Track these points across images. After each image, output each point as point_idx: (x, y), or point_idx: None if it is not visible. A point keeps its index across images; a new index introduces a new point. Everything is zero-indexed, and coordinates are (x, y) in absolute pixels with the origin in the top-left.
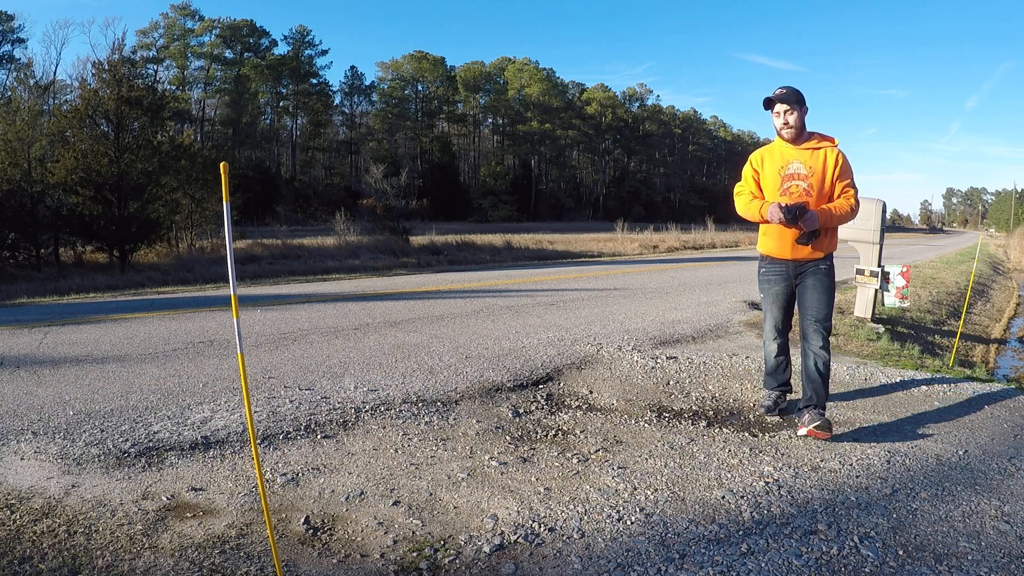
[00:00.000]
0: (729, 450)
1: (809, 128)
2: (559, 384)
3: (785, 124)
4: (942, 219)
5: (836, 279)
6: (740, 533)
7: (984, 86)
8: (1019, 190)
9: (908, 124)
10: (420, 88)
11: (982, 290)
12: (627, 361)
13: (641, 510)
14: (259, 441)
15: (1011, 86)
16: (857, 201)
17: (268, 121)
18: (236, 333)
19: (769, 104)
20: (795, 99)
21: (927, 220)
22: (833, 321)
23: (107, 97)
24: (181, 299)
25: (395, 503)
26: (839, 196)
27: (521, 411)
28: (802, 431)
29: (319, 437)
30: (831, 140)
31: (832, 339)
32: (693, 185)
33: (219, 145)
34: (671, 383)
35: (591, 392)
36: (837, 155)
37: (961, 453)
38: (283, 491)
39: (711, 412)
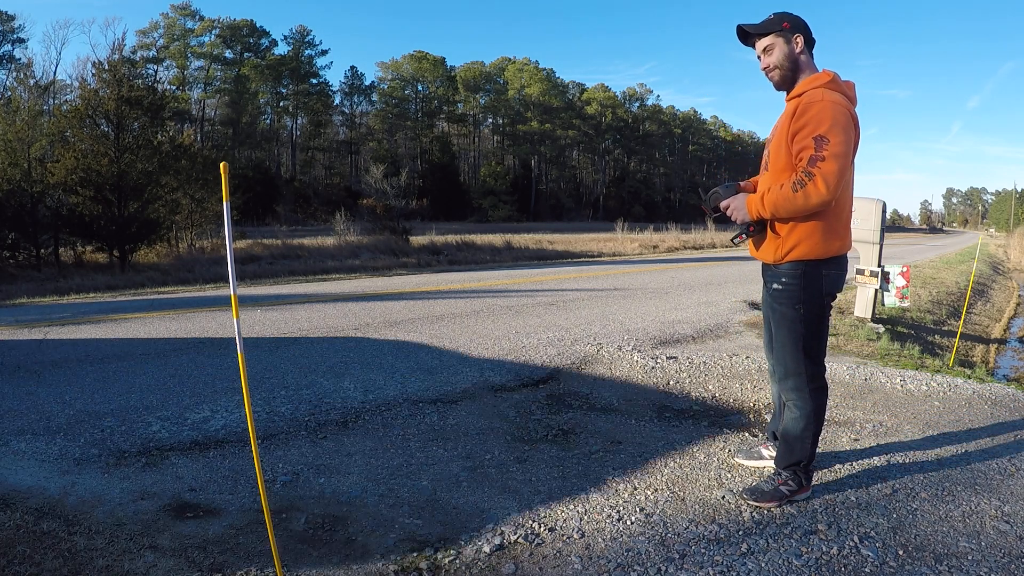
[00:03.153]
0: (729, 450)
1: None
2: (559, 384)
3: (765, 68)
4: (942, 219)
5: (817, 297)
6: (740, 533)
7: (986, 86)
8: (1019, 190)
9: (909, 124)
10: (420, 88)
11: (982, 290)
12: (627, 361)
13: (641, 510)
14: (259, 441)
15: (1013, 86)
16: (813, 177)
17: (268, 121)
18: (236, 333)
19: (746, 39)
20: (775, 27)
21: (927, 220)
22: (815, 362)
23: (107, 97)
24: (181, 299)
25: (395, 503)
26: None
27: (521, 411)
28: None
29: (319, 437)
30: (820, 77)
31: (832, 339)
32: (693, 185)
33: (219, 145)
34: (671, 383)
35: (591, 392)
36: (798, 103)
37: (961, 453)
38: (283, 491)
39: (711, 412)
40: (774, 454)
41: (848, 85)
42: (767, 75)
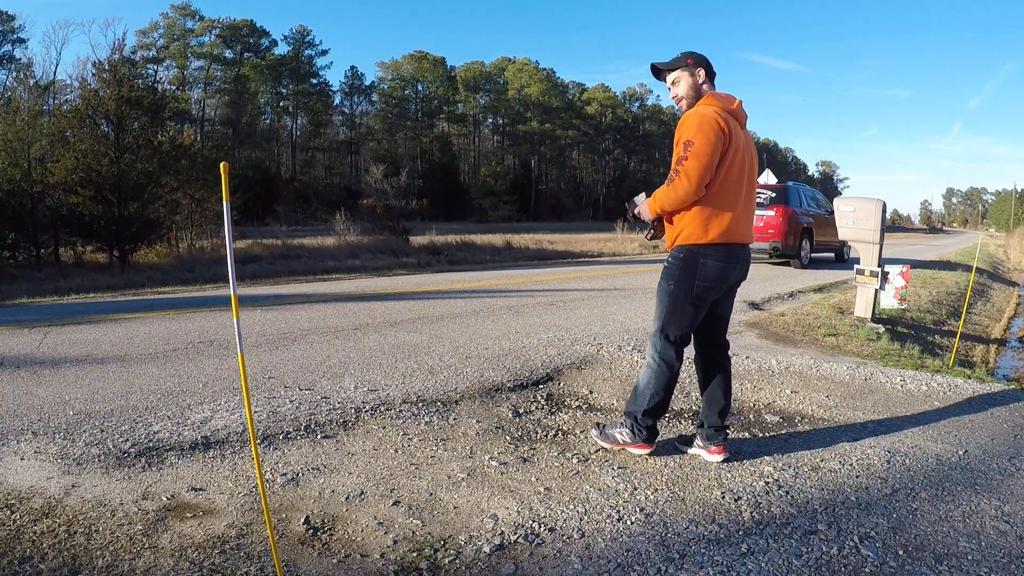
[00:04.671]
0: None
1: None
2: (559, 384)
3: (674, 98)
4: (942, 219)
5: (702, 276)
6: (740, 533)
7: (987, 86)
8: (1019, 190)
9: (910, 124)
10: (420, 88)
11: (982, 290)
12: (627, 361)
13: (641, 510)
14: (259, 441)
15: (1014, 86)
16: (679, 173)
17: (268, 121)
18: (236, 333)
19: (657, 74)
20: (680, 64)
21: (927, 220)
22: (666, 338)
23: (107, 97)
24: (181, 299)
25: (395, 503)
26: None
27: (521, 411)
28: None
29: (319, 437)
30: (702, 99)
31: (832, 339)
32: None
33: (219, 145)
34: None
35: (591, 392)
36: (680, 120)
37: (961, 453)
38: (283, 491)
39: None
40: (703, 443)
41: (731, 101)
42: (676, 104)
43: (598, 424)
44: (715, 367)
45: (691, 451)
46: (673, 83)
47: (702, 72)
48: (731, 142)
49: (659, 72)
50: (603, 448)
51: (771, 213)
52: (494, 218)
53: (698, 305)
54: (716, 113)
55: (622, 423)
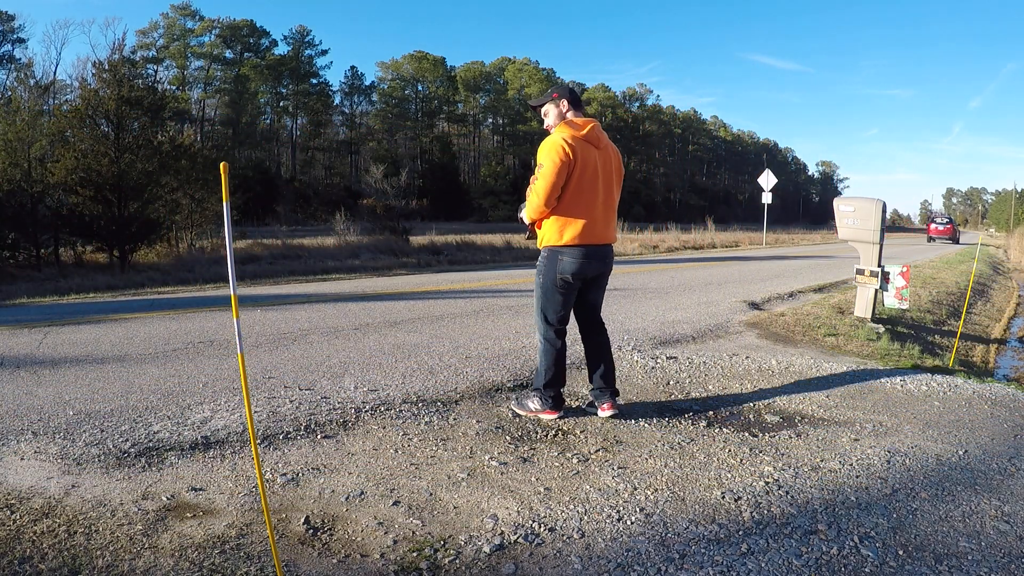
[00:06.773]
0: (729, 450)
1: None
2: None
3: (547, 127)
4: None
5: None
6: (740, 533)
7: (988, 87)
8: (1019, 190)
9: (911, 124)
10: (420, 88)
11: (982, 290)
12: (627, 361)
13: (641, 510)
14: (259, 441)
15: (1015, 87)
16: (531, 191)
17: (268, 121)
18: (236, 333)
19: (534, 110)
20: (547, 99)
21: (927, 220)
22: (545, 321)
23: (107, 97)
24: (181, 299)
25: (395, 503)
26: None
27: None
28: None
29: (319, 437)
30: (559, 126)
31: (832, 339)
32: (693, 185)
33: (219, 145)
34: (671, 383)
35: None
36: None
37: (961, 453)
38: (283, 491)
39: (711, 412)
40: (596, 403)
41: (582, 127)
42: (549, 131)
43: (516, 397)
44: (596, 342)
45: (593, 411)
46: (545, 114)
47: (565, 102)
48: (577, 163)
49: (534, 108)
50: (518, 415)
51: (948, 225)
52: (494, 218)
53: (564, 293)
54: (563, 140)
55: (533, 395)
